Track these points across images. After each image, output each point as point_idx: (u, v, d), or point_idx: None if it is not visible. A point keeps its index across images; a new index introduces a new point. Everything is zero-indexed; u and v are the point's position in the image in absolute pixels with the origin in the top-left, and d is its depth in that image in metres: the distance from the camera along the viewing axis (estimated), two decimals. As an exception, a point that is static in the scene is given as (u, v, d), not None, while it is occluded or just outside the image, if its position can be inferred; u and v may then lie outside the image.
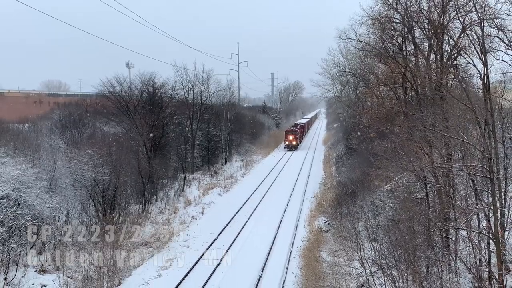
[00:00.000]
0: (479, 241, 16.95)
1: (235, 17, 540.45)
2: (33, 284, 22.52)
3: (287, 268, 27.19)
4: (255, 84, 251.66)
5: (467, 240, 17.40)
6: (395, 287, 17.83)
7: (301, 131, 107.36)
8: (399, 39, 32.53)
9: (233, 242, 32.22)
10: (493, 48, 16.68)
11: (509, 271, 17.09)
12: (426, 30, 29.58)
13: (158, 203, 41.70)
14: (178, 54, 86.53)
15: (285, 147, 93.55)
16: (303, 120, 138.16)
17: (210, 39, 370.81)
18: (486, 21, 16.77)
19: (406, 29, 31.05)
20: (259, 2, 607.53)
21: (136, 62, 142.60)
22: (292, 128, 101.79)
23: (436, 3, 27.52)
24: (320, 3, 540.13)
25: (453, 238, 19.07)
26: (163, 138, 47.44)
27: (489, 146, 15.31)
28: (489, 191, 15.45)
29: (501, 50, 16.86)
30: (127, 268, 26.49)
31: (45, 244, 26.13)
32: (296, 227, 36.56)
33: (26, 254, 24.96)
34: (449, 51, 27.23)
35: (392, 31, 32.69)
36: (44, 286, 22.62)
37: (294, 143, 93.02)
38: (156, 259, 28.50)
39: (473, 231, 17.01)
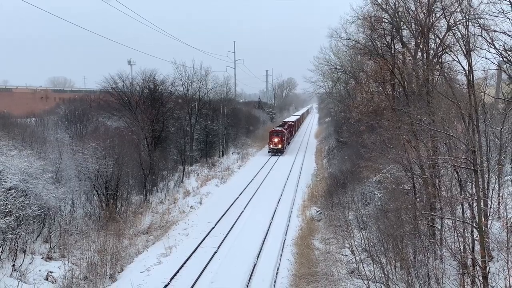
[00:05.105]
0: (464, 229, 16.91)
1: (233, 14, 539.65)
2: (39, 270, 22.45)
3: (281, 255, 27.16)
4: (250, 80, 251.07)
5: (452, 228, 17.35)
6: (384, 273, 17.81)
7: (289, 131, 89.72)
8: (388, 38, 32.42)
9: (229, 231, 32.19)
10: (477, 47, 16.60)
11: (492, 258, 17.09)
12: (413, 29, 29.52)
13: (159, 194, 41.63)
14: (177, 52, 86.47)
15: (268, 151, 76.83)
16: (292, 118, 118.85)
17: (208, 37, 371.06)
18: (470, 21, 16.66)
19: (394, 28, 30.96)
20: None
21: (137, 59, 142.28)
22: (277, 128, 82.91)
23: (422, 3, 27.43)
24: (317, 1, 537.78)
25: (439, 227, 19.04)
26: (163, 132, 47.32)
27: (473, 139, 15.24)
28: (473, 182, 15.38)
29: (484, 49, 16.78)
30: (129, 255, 26.46)
31: (51, 233, 26.06)
32: (290, 216, 36.54)
33: (33, 242, 24.93)
34: (435, 49, 27.18)
35: (381, 31, 32.58)
36: (50, 272, 22.53)
37: (279, 146, 76.19)
38: (156, 247, 28.49)
39: (457, 220, 16.97)
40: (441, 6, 24.64)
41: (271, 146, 76.61)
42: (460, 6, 18.94)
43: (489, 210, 17.88)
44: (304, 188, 46.40)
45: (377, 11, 32.73)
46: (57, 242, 25.69)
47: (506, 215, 18.46)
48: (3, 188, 22.64)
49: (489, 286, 14.15)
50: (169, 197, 41.46)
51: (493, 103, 26.49)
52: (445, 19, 23.07)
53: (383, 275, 17.91)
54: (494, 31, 16.34)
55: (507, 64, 17.96)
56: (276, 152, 76.08)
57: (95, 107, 60.37)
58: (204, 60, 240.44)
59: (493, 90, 29.98)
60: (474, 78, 16.62)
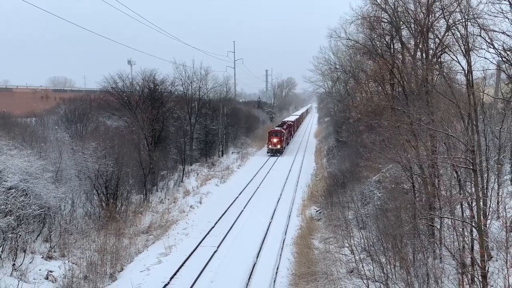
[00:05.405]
0: (463, 229, 16.90)
1: (233, 14, 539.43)
2: (39, 270, 22.43)
3: (280, 255, 27.12)
4: (250, 80, 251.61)
5: (451, 228, 17.34)
6: (383, 272, 17.79)
7: (288, 131, 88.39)
8: (387, 38, 32.42)
9: (229, 230, 32.16)
10: (476, 47, 16.57)
11: (491, 257, 17.07)
12: (413, 29, 29.50)
13: (158, 193, 41.60)
14: (177, 52, 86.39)
15: (267, 152, 75.84)
16: (291, 118, 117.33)
17: (208, 37, 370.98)
18: (470, 21, 16.63)
19: (393, 28, 30.94)
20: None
21: (137, 59, 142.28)
22: (276, 128, 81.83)
23: (421, 3, 27.41)
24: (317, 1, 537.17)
25: (438, 226, 19.03)
26: (163, 131, 47.29)
27: (472, 139, 15.22)
28: (472, 182, 15.36)
29: (483, 48, 16.76)
30: (129, 254, 26.45)
31: (51, 232, 26.03)
32: (289, 216, 36.50)
33: (33, 242, 24.90)
34: (434, 49, 27.16)
35: (380, 30, 32.57)
36: (50, 271, 22.51)
37: (278, 146, 75.46)
38: (156, 246, 28.47)
39: (457, 219, 16.96)
40: (440, 6, 24.62)
41: (270, 146, 75.73)
42: (459, 6, 18.90)
43: (488, 209, 17.87)
44: (304, 188, 46.33)
45: (376, 11, 32.73)
46: (57, 241, 25.65)
47: (505, 214, 18.47)
48: (3, 187, 22.60)
49: (488, 285, 14.14)
50: (169, 197, 41.42)
51: (492, 102, 26.50)
52: (444, 19, 23.05)
53: (382, 275, 17.89)
54: (493, 31, 16.32)
55: (506, 64, 17.93)
56: (275, 152, 75.30)
57: (95, 106, 60.26)
58: (204, 60, 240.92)
59: (492, 90, 29.98)
60: (473, 77, 16.59)
